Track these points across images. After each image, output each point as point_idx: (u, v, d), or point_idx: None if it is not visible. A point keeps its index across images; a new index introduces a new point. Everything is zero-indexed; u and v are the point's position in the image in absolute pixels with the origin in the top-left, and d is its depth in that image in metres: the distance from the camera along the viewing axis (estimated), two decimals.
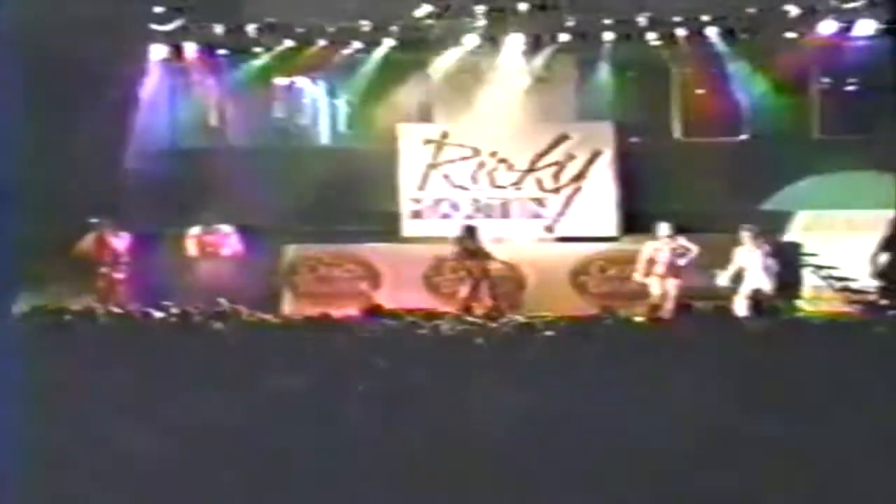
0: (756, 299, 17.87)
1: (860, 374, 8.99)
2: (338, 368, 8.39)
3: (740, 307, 17.85)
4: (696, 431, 7.35)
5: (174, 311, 16.96)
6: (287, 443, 7.01)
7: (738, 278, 18.10)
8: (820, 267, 19.10)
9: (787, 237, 19.52)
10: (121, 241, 19.73)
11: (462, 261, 19.26)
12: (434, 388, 8.01)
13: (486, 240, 19.53)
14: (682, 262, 18.40)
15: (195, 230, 19.90)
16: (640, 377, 8.33)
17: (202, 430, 6.99)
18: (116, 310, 18.29)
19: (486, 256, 19.24)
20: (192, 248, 19.96)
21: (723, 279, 18.10)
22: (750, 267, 18.06)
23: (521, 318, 16.50)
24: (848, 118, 20.14)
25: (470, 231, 19.59)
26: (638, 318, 16.75)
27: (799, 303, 18.77)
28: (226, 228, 19.95)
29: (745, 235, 18.18)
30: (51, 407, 7.43)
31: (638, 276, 18.72)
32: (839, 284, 18.93)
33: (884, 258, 18.57)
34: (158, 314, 16.79)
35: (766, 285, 17.98)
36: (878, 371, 9.21)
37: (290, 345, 10.26)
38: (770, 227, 18.93)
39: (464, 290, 19.06)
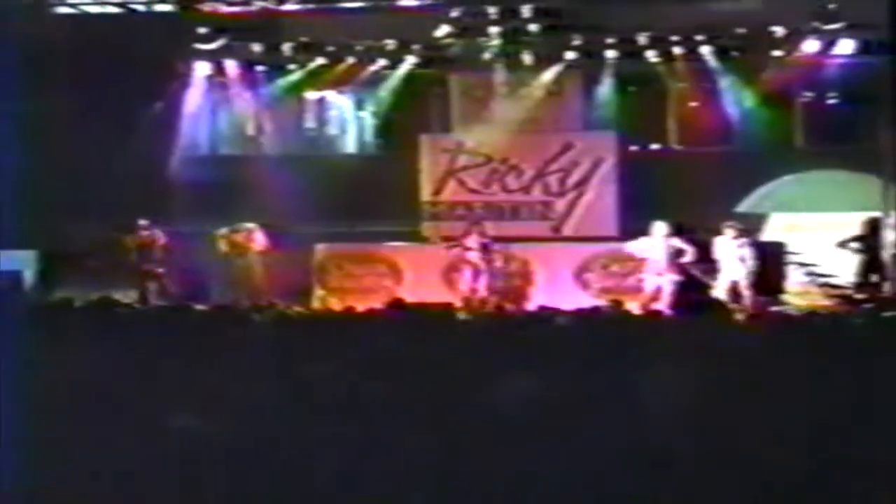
0: (734, 290, 17.99)
1: (840, 359, 9.08)
2: (363, 357, 8.48)
3: (721, 296, 17.97)
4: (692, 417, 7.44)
5: (215, 303, 17.02)
6: (320, 423, 7.14)
7: (714, 270, 18.28)
8: (803, 264, 19.18)
9: (773, 236, 19.59)
10: (161, 240, 19.79)
11: (466, 253, 19.36)
12: (450, 374, 8.11)
13: (490, 235, 19.67)
14: (677, 258, 18.48)
15: (223, 230, 19.95)
16: (640, 365, 8.41)
17: (245, 411, 7.11)
18: (161, 303, 18.39)
19: (490, 251, 19.34)
20: (223, 246, 20.01)
21: (698, 270, 18.24)
22: (727, 259, 18.19)
23: (530, 310, 16.55)
24: (828, 129, 20.27)
25: (478, 226, 19.72)
26: (638, 312, 16.79)
27: (785, 297, 18.82)
28: (251, 226, 19.97)
29: (727, 231, 18.32)
30: (100, 394, 7.49)
31: (640, 274, 18.82)
32: (821, 280, 19.04)
33: (855, 248, 18.61)
34: (200, 307, 16.86)
35: (741, 277, 18.08)
36: (856, 356, 9.31)
37: (322, 335, 10.37)
38: (752, 226, 19.09)
39: (465, 283, 19.17)
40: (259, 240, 19.98)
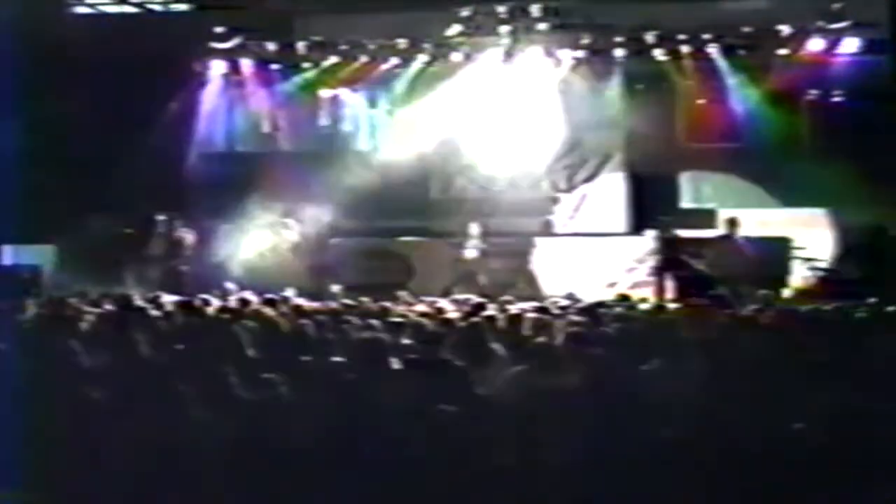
0: (735, 283, 17.98)
1: (844, 351, 9.11)
2: (374, 350, 8.49)
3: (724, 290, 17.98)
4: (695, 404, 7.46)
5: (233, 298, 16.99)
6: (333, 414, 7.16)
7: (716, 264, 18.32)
8: (807, 259, 19.17)
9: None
10: (184, 236, 19.80)
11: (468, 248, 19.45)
12: (460, 366, 8.13)
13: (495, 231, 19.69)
14: (682, 253, 18.51)
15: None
16: (645, 357, 8.44)
17: (260, 407, 7.13)
18: (179, 298, 18.36)
19: (484, 252, 19.41)
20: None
21: (703, 264, 18.32)
22: (723, 253, 18.25)
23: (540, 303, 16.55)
24: (833, 126, 20.23)
25: (480, 221, 19.77)
26: (644, 305, 16.78)
27: (788, 292, 18.80)
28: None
29: (722, 225, 18.43)
30: (116, 389, 7.51)
31: (643, 267, 18.85)
32: (824, 275, 19.03)
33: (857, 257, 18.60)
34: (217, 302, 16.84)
35: (738, 271, 18.09)
36: (859, 348, 9.34)
37: (337, 328, 10.40)
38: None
39: (458, 278, 19.22)
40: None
